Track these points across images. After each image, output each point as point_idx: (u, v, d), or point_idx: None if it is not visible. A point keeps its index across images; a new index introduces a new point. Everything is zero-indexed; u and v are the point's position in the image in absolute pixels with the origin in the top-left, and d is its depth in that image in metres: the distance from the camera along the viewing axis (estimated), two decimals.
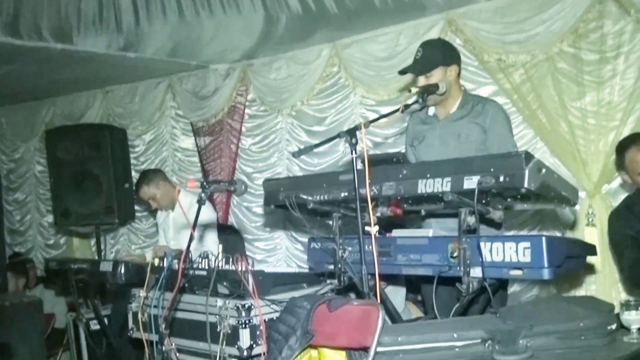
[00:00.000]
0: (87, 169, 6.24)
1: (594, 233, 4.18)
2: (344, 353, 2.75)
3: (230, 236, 5.25)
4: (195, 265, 3.86)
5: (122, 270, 4.29)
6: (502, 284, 3.12)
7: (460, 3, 4.81)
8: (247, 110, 6.38)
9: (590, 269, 4.16)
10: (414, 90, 3.17)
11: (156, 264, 4.04)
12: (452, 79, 3.42)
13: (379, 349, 2.52)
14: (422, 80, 3.39)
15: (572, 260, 2.81)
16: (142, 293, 3.98)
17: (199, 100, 6.63)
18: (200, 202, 2.82)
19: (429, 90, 3.27)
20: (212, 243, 4.86)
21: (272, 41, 5.70)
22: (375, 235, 2.92)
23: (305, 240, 5.83)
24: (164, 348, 3.03)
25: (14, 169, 8.40)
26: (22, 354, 4.69)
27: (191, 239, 2.89)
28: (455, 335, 2.53)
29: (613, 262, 4.05)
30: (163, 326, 3.01)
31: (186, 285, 3.82)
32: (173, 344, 3.30)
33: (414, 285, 4.70)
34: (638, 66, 4.11)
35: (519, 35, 4.54)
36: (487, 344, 2.51)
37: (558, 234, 4.42)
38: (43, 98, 7.92)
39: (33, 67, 6.12)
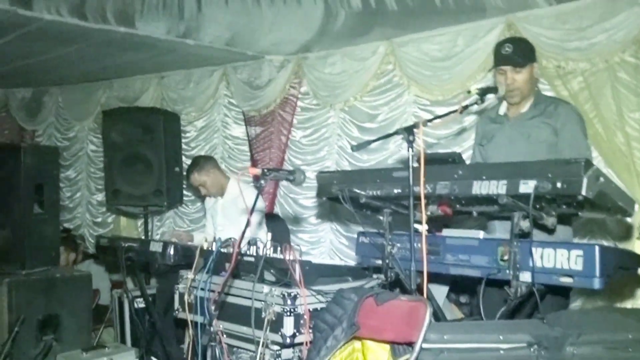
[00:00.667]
0: (139, 151, 6.36)
1: None
2: (387, 347, 2.79)
3: (277, 225, 5.32)
4: (243, 251, 3.95)
5: (172, 252, 4.39)
6: (561, 291, 3.11)
7: (522, 7, 4.77)
8: (299, 103, 6.42)
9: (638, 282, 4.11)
10: (473, 90, 3.17)
11: (205, 247, 4.15)
12: (536, 77, 3.43)
13: (424, 346, 2.54)
14: (509, 76, 3.38)
15: (623, 271, 2.79)
16: (190, 275, 4.07)
17: (252, 90, 6.70)
18: (259, 189, 2.87)
19: (489, 91, 3.27)
20: (260, 231, 4.93)
21: (329, 36, 5.73)
22: (425, 233, 2.95)
23: (350, 234, 5.95)
24: (212, 329, 3.08)
25: (68, 147, 8.60)
26: (70, 326, 4.83)
27: (247, 224, 2.94)
28: (501, 337, 2.54)
29: None
30: (212, 308, 3.07)
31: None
32: (221, 326, 3.35)
33: (458, 286, 4.72)
34: None
35: (580, 42, 4.49)
36: (532, 349, 2.52)
37: (606, 243, 4.37)
38: (100, 80, 8.09)
39: (94, 50, 6.26)
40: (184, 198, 7.01)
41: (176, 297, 4.18)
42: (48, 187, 5.10)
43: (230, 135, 7.03)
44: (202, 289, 3.86)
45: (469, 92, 3.18)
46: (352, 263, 5.39)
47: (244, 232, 2.96)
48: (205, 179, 5.17)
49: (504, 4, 4.76)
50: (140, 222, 7.73)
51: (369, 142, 3.10)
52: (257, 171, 2.91)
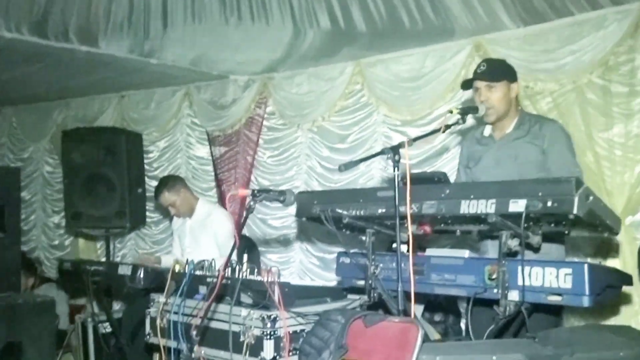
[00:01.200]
0: (101, 172, 6.21)
1: (616, 264, 4.19)
2: None
3: (246, 247, 5.23)
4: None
5: (142, 275, 4.25)
6: (552, 309, 3.12)
7: (489, 29, 4.85)
8: (265, 123, 6.39)
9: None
10: (455, 110, 3.17)
11: (177, 270, 4.05)
12: (513, 96, 3.45)
13: None
14: (483, 93, 3.40)
15: (610, 289, 2.81)
16: (162, 298, 3.97)
17: (217, 110, 6.64)
18: (249, 211, 2.81)
19: (469, 111, 3.29)
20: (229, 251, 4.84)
21: (296, 56, 5.74)
22: (412, 253, 2.93)
23: (320, 254, 5.92)
24: (193, 355, 2.99)
25: (22, 168, 8.34)
26: (33, 353, 4.63)
27: (234, 247, 2.87)
28: (494, 357, 2.52)
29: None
30: (194, 333, 2.98)
31: (206, 293, 3.82)
32: (203, 352, 3.25)
33: (431, 305, 4.72)
34: None
35: (547, 64, 4.57)
36: None
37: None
38: (56, 99, 7.91)
39: (54, 69, 6.13)
40: (147, 219, 6.87)
41: (147, 321, 4.06)
42: (9, 209, 4.92)
43: (194, 156, 6.95)
44: (175, 313, 3.77)
45: (450, 111, 3.18)
46: (323, 283, 5.36)
47: (230, 255, 2.89)
48: (175, 199, 5.06)
49: (471, 26, 4.83)
50: (99, 244, 7.57)
51: (357, 162, 3.07)
52: (247, 192, 2.85)
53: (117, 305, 6.25)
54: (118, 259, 7.07)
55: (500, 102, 3.40)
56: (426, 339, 2.81)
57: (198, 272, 3.94)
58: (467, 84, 3.53)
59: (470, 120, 4.07)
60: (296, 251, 6.13)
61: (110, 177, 6.17)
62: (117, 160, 6.20)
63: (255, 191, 2.87)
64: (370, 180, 5.64)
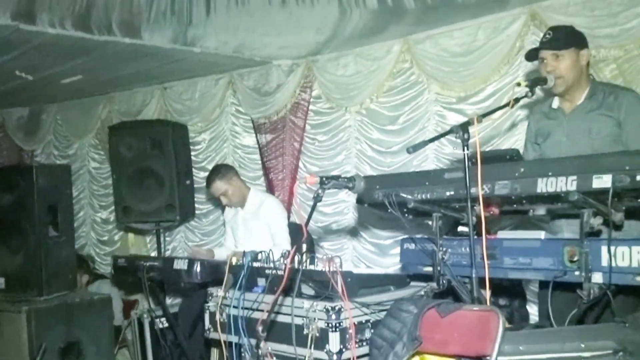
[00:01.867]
0: (149, 166, 6.19)
1: None
2: None
3: (300, 235, 5.10)
4: (277, 265, 3.76)
5: (198, 269, 4.19)
6: (634, 290, 2.94)
7: None
8: (311, 107, 6.23)
9: None
10: (523, 83, 2.99)
11: (234, 263, 3.95)
12: (583, 64, 3.24)
13: (499, 358, 2.37)
14: (549, 63, 3.20)
15: None
16: (221, 292, 3.88)
17: (261, 97, 6.51)
18: (317, 199, 2.68)
19: (538, 82, 3.10)
20: (286, 242, 4.74)
21: (341, 37, 5.55)
22: (486, 236, 2.77)
23: (374, 240, 5.78)
24: (260, 352, 2.88)
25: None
26: (92, 351, 4.62)
27: (303, 239, 2.74)
28: (582, 345, 2.37)
29: None
30: (260, 329, 2.86)
31: (266, 285, 3.72)
32: (269, 348, 3.14)
33: (496, 288, 4.54)
34: None
35: (611, 29, 4.32)
36: (618, 356, 2.35)
37: None
38: (99, 94, 7.88)
39: (98, 63, 6.07)
40: (196, 212, 6.82)
41: (206, 316, 3.98)
42: (62, 207, 4.87)
43: (240, 144, 6.83)
44: (235, 307, 3.68)
45: (518, 84, 3.01)
46: (383, 270, 5.22)
47: (300, 245, 2.76)
48: (227, 188, 4.97)
49: None
50: (149, 238, 7.54)
51: (425, 143, 2.90)
52: (316, 180, 2.72)
53: (168, 300, 6.19)
54: (168, 252, 7.03)
55: (570, 71, 3.20)
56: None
57: (256, 264, 3.84)
58: (532, 55, 3.33)
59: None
60: (348, 238, 5.98)
61: (158, 170, 6.14)
62: (164, 153, 6.16)
63: (324, 178, 2.73)
64: (425, 162, 5.46)
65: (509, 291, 4.53)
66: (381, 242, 5.79)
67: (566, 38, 3.23)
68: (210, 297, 4.01)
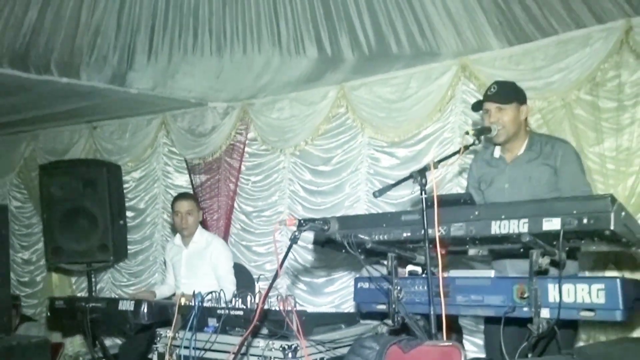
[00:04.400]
0: (81, 206, 6.11)
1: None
2: None
3: (242, 274, 5.16)
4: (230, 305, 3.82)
5: (146, 310, 4.18)
6: (572, 324, 3.17)
7: (475, 50, 4.93)
8: (247, 149, 6.35)
9: None
10: (471, 132, 3.23)
11: (183, 304, 3.98)
12: (523, 119, 3.51)
13: None
14: (493, 114, 3.45)
15: (638, 302, 2.88)
16: (170, 333, 3.90)
17: (196, 138, 6.58)
18: (294, 241, 2.78)
19: (483, 132, 3.34)
20: (231, 284, 4.79)
21: (279, 82, 5.74)
22: (443, 275, 2.95)
23: (307, 279, 5.87)
24: None
25: None
26: None
27: (276, 276, 2.83)
28: None
29: None
30: None
31: (219, 325, 3.77)
32: None
33: None
34: None
35: (535, 82, 4.65)
36: None
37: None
38: (23, 132, 7.70)
39: (26, 101, 5.99)
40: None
41: (155, 357, 3.98)
42: None
43: (172, 184, 6.86)
44: (186, 347, 3.71)
45: (467, 133, 3.24)
46: (313, 309, 5.31)
47: (270, 286, 2.85)
48: (193, 211, 5.03)
49: (458, 47, 4.93)
50: (74, 279, 7.36)
51: (390, 187, 3.08)
52: (295, 222, 2.82)
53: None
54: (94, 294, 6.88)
55: (511, 123, 3.47)
56: None
57: (207, 304, 3.90)
58: (477, 106, 3.59)
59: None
60: (282, 277, 6.05)
61: (91, 210, 6.07)
62: (97, 193, 6.11)
63: (302, 221, 2.84)
64: (357, 202, 5.67)
65: (454, 328, 4.75)
66: (314, 281, 5.91)
67: (509, 93, 3.50)
68: (158, 338, 4.02)
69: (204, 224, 6.31)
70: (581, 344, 4.03)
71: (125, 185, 6.96)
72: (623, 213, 2.59)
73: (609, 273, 4.32)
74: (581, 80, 4.50)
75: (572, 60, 4.55)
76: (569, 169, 3.38)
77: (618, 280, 2.68)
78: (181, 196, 5.25)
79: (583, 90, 4.52)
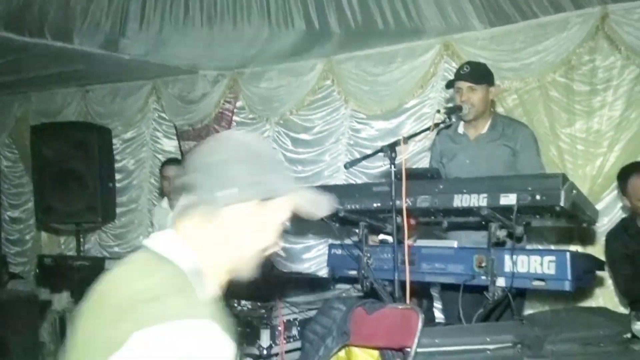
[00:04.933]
0: (72, 167, 6.25)
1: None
2: (374, 353, 2.95)
3: None
4: None
5: None
6: (521, 293, 3.37)
7: (458, 29, 5.09)
8: (235, 117, 6.50)
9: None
10: (442, 110, 3.41)
11: None
12: (490, 99, 3.69)
13: (418, 350, 2.73)
14: (465, 93, 3.62)
15: (587, 274, 3.09)
16: None
17: (186, 105, 6.72)
18: None
19: (455, 110, 3.52)
20: None
21: (268, 54, 5.88)
22: (410, 244, 3.15)
23: (286, 245, 6.06)
24: None
25: None
26: (18, 349, 4.67)
27: None
28: (488, 339, 2.76)
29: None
30: None
31: None
32: None
33: None
34: (625, 99, 4.46)
35: (514, 63, 4.84)
36: (516, 348, 2.76)
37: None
38: (15, 93, 7.81)
39: (19, 63, 6.10)
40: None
41: None
42: None
43: (161, 149, 7.02)
44: None
45: (438, 111, 3.44)
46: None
47: None
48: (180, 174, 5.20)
49: (441, 27, 5.08)
50: (62, 238, 7.53)
51: (360, 160, 3.27)
52: None
53: None
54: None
55: (481, 102, 3.64)
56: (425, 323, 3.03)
57: None
58: (450, 84, 3.76)
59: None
60: None
61: (81, 172, 6.22)
62: (88, 156, 6.25)
63: None
64: (337, 172, 5.86)
65: (418, 294, 4.96)
66: (293, 247, 6.12)
67: (481, 74, 3.68)
68: None
69: None
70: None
71: (113, 147, 7.10)
72: (574, 191, 2.78)
73: (573, 247, 4.54)
74: (557, 63, 4.68)
75: (549, 44, 4.73)
76: (528, 151, 3.59)
77: (568, 253, 2.88)
78: (170, 161, 5.44)
79: (558, 73, 4.71)
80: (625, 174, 3.76)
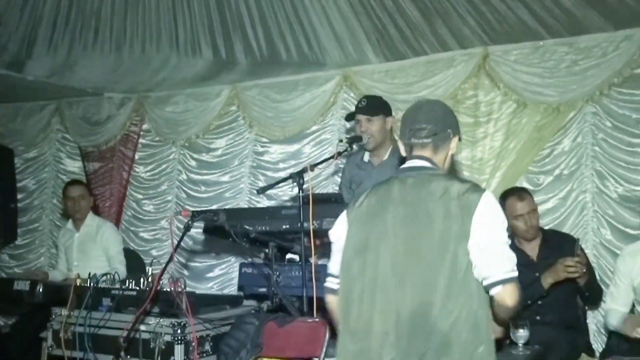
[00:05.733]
0: None
1: None
2: None
3: (133, 259, 5.48)
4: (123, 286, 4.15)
5: (41, 289, 4.39)
6: None
7: (356, 63, 5.49)
8: (141, 140, 6.64)
9: None
10: (344, 140, 3.76)
11: (78, 284, 4.27)
12: (388, 128, 4.06)
13: (325, 359, 3.05)
14: (363, 124, 3.96)
15: None
16: (65, 312, 4.17)
17: (90, 126, 6.79)
18: (187, 229, 3.18)
19: (355, 140, 3.87)
20: (122, 266, 5.10)
21: (175, 79, 6.08)
22: (315, 262, 3.45)
23: (190, 264, 6.26)
24: None
25: None
26: None
27: (171, 259, 3.22)
28: None
29: None
30: (121, 340, 3.26)
31: (111, 304, 4.09)
32: None
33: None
34: (505, 130, 4.94)
35: (407, 95, 5.24)
36: None
37: None
38: None
39: None
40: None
41: (49, 334, 4.24)
42: None
43: (64, 170, 7.03)
44: (81, 325, 4.00)
45: (341, 140, 3.79)
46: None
47: (165, 267, 3.24)
48: (84, 196, 5.30)
49: (341, 59, 5.46)
50: None
51: (272, 186, 3.55)
52: (189, 214, 3.22)
53: None
54: None
55: (379, 132, 4.01)
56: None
57: (102, 285, 4.20)
58: (350, 117, 4.12)
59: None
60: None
61: None
62: None
63: (195, 212, 3.25)
64: (240, 194, 6.12)
65: (323, 309, 5.27)
66: (197, 266, 6.31)
67: (377, 107, 4.05)
68: (53, 316, 4.28)
69: (95, 210, 6.54)
70: None
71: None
72: None
73: None
74: (445, 96, 5.10)
75: (438, 79, 5.18)
76: None
77: None
78: (73, 182, 5.52)
79: None
80: (504, 197, 4.17)
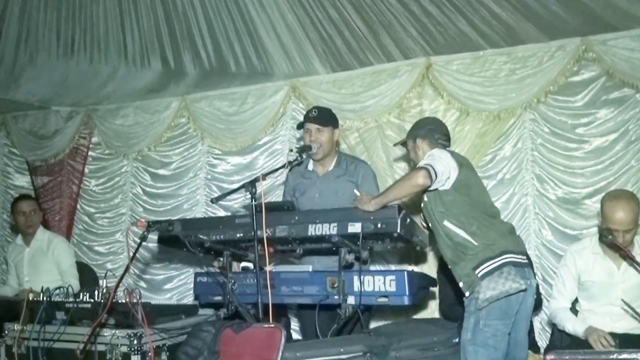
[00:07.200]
0: None
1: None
2: None
3: (86, 272, 5.47)
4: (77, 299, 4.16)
5: None
6: (368, 308, 3.85)
7: (304, 74, 5.61)
8: (91, 153, 6.62)
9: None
10: (294, 150, 3.87)
11: (31, 299, 4.26)
12: (335, 140, 4.17)
13: None
14: (313, 134, 4.05)
15: (422, 290, 3.63)
16: (18, 327, 4.15)
17: (38, 140, 6.75)
18: (143, 239, 3.23)
19: (305, 150, 3.97)
20: (75, 279, 5.09)
21: (124, 91, 6.09)
22: (270, 269, 3.54)
23: (148, 277, 6.27)
24: None
25: None
26: None
27: (127, 269, 3.27)
28: (342, 349, 3.23)
29: None
30: (78, 352, 3.29)
31: (67, 318, 4.09)
32: None
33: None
34: None
35: (354, 105, 5.40)
36: (366, 356, 3.23)
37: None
38: None
39: None
40: None
41: (2, 349, 4.21)
42: None
43: (12, 185, 6.98)
44: (35, 339, 4.00)
45: (291, 150, 3.88)
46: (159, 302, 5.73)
47: (121, 278, 3.28)
48: (35, 209, 5.28)
49: (289, 70, 5.57)
50: None
51: (225, 195, 3.62)
52: (145, 224, 3.27)
53: None
54: None
55: (327, 143, 4.11)
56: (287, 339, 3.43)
57: (55, 299, 4.20)
58: (301, 125, 4.23)
59: None
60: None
61: None
62: None
63: (150, 223, 3.30)
64: (196, 205, 6.16)
65: (277, 315, 5.34)
66: (154, 278, 6.33)
67: (327, 118, 4.16)
68: (6, 332, 4.26)
69: (45, 225, 6.49)
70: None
71: None
72: (408, 220, 3.31)
73: (413, 268, 5.14)
74: (391, 105, 5.29)
75: (384, 89, 5.33)
76: (368, 185, 4.04)
77: (405, 272, 3.39)
78: (23, 197, 5.49)
79: (392, 114, 5.32)
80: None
